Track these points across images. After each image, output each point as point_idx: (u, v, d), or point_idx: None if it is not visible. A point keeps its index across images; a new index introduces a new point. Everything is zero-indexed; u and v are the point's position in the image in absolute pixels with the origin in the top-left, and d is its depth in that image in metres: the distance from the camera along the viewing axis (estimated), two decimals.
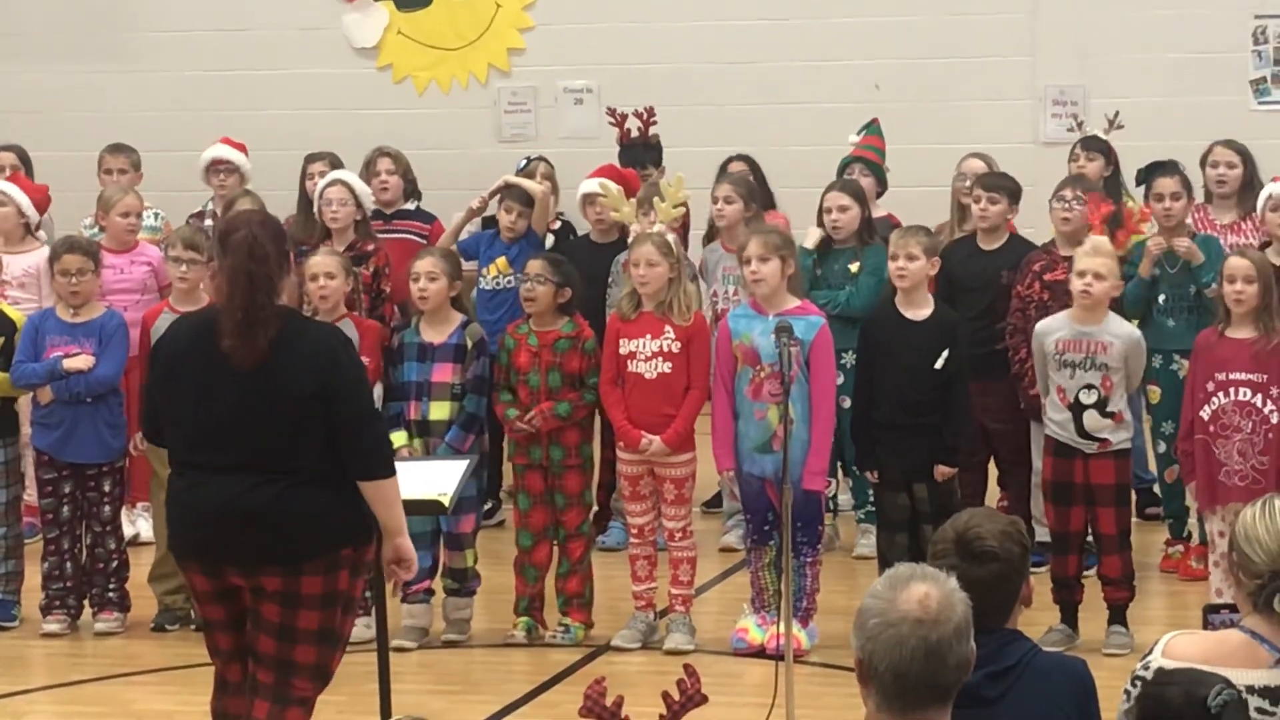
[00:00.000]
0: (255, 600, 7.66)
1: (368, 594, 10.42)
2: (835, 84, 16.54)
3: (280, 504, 7.57)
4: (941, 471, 10.73)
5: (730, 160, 13.63)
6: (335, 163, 13.45)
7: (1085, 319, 10.56)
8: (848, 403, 11.21)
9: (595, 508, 11.62)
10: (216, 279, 7.87)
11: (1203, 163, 12.67)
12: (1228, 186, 12.40)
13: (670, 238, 10.83)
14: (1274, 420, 10.35)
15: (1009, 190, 12.15)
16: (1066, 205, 11.58)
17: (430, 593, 11.06)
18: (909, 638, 4.93)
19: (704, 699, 5.50)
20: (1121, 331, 10.63)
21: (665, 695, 5.43)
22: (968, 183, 12.62)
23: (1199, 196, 12.55)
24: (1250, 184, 12.32)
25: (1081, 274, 10.52)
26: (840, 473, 12.60)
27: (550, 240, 13.18)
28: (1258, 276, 10.40)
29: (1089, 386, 10.48)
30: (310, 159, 13.73)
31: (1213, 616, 6.25)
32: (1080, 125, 13.60)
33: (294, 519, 7.59)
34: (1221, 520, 10.29)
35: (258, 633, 7.68)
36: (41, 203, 13.00)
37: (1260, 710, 5.52)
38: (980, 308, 11.58)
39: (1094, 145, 13.07)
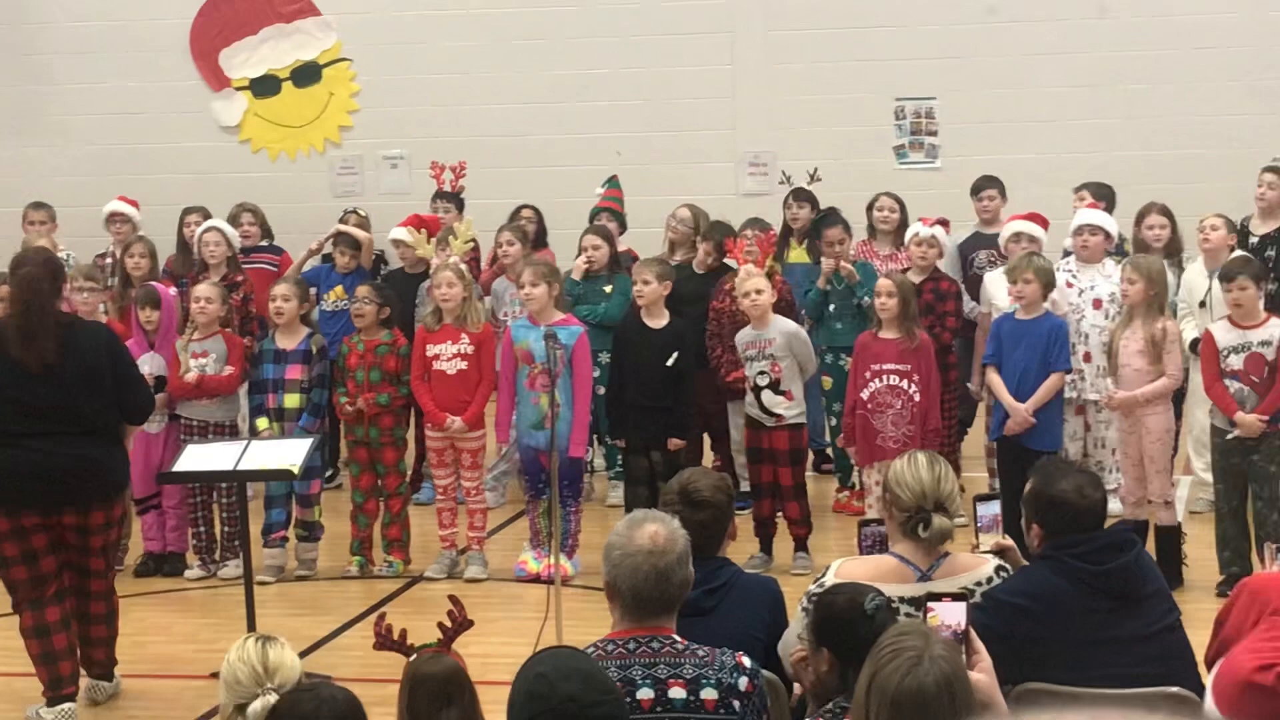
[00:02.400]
0: (82, 534, 8.19)
1: (235, 542, 10.38)
2: (588, 151, 16.54)
3: (105, 456, 8.19)
4: (674, 443, 10.76)
5: (521, 208, 13.62)
6: (206, 214, 13.34)
7: (758, 325, 10.65)
8: (602, 390, 11.22)
9: (409, 473, 11.55)
10: (6, 298, 8.27)
11: (869, 208, 12.75)
12: (888, 226, 12.49)
13: (462, 267, 10.86)
14: (916, 399, 10.46)
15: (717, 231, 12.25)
16: (748, 240, 11.68)
17: (285, 539, 10.99)
18: (643, 564, 4.95)
19: (470, 624, 5.48)
20: (783, 328, 10.69)
21: (440, 625, 5.40)
22: (675, 224, 12.64)
23: (862, 234, 12.69)
24: (903, 224, 12.43)
25: (746, 294, 10.62)
26: (596, 442, 12.58)
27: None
28: (898, 292, 10.52)
29: (762, 373, 10.55)
30: (186, 211, 13.65)
31: (865, 530, 6.36)
32: (789, 179, 13.58)
33: (112, 465, 8.28)
34: (876, 472, 10.41)
35: (88, 557, 8.27)
36: None
37: (908, 614, 5.57)
38: (695, 316, 11.60)
39: (802, 195, 13.01)
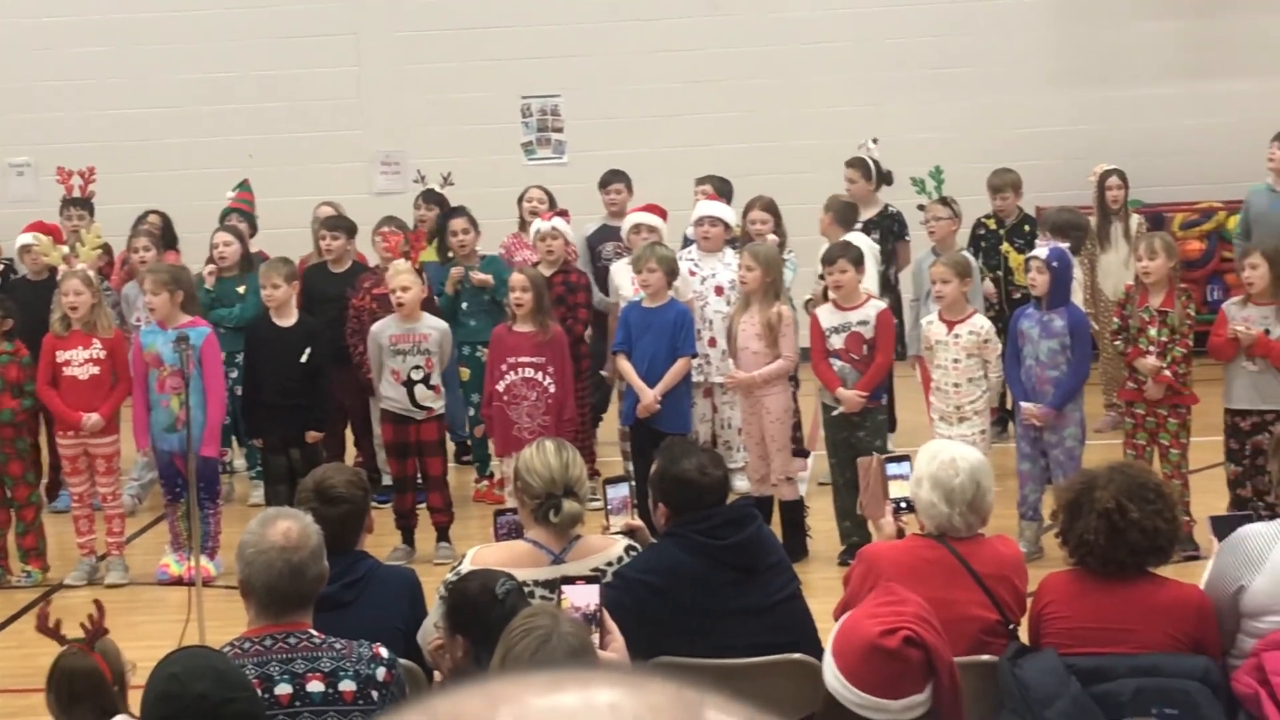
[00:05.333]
0: None
1: None
2: (220, 154, 16.26)
3: None
4: (313, 436, 10.66)
5: (147, 213, 13.27)
6: None
7: (407, 319, 10.60)
8: (238, 391, 11.05)
9: (41, 482, 11.19)
10: None
11: (519, 200, 12.79)
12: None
13: (90, 273, 10.57)
14: (552, 390, 10.51)
15: (346, 229, 12.18)
16: (383, 238, 11.63)
17: None
18: (276, 561, 4.91)
19: (105, 631, 5.38)
20: (436, 324, 10.70)
21: (83, 625, 5.31)
22: (319, 225, 12.61)
23: (493, 232, 12.73)
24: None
25: (393, 291, 10.58)
26: (235, 443, 12.39)
27: None
28: (532, 287, 10.55)
29: (417, 367, 10.52)
30: None
31: (500, 518, 6.41)
32: (423, 179, 13.49)
33: None
34: (516, 462, 10.43)
35: None
36: None
37: (543, 597, 5.61)
38: (333, 315, 11.53)
39: (431, 197, 13.01)
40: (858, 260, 10.22)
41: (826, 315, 10.16)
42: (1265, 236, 11.93)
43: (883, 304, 10.29)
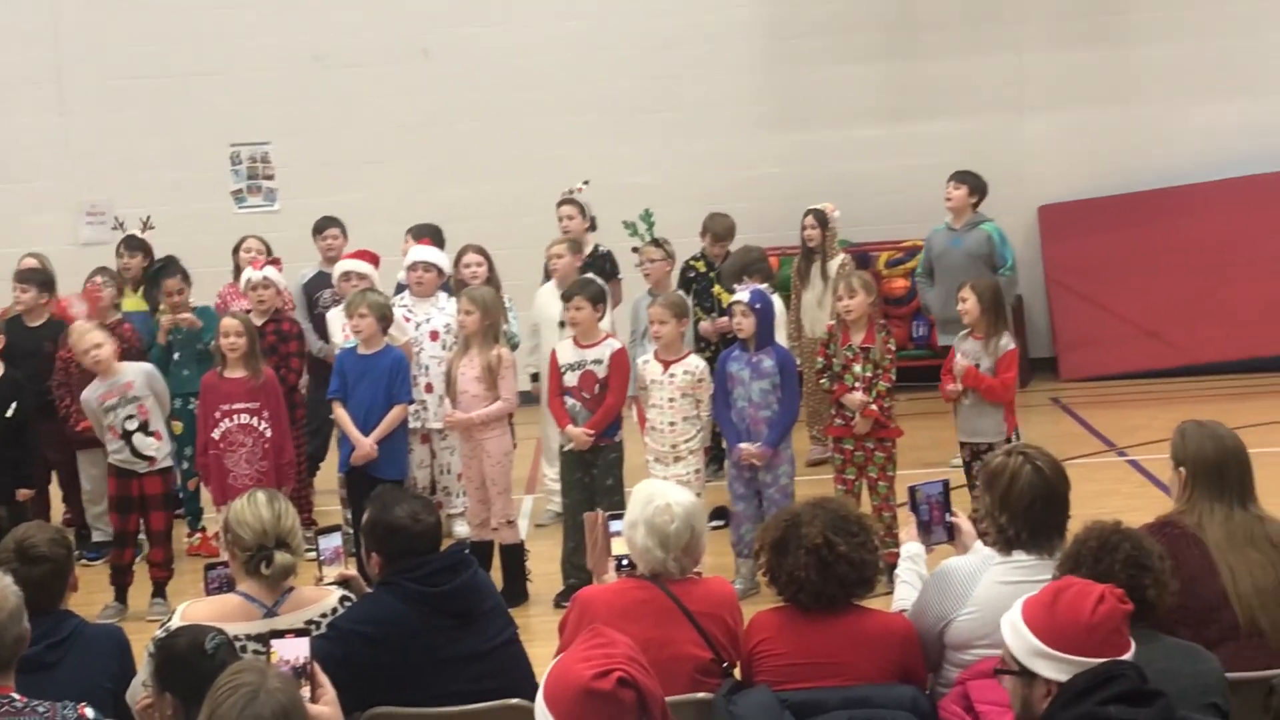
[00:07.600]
0: None
1: None
2: None
3: None
4: (23, 494, 10.43)
5: None
6: None
7: (108, 374, 10.35)
8: None
9: None
10: None
11: (235, 251, 12.70)
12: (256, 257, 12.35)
13: None
14: (268, 435, 10.37)
15: (38, 282, 11.79)
16: (97, 286, 11.38)
17: None
18: None
19: None
20: (136, 368, 10.50)
21: None
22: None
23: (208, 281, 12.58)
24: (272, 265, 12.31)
25: (85, 353, 10.32)
26: None
27: None
28: (244, 331, 10.41)
29: (130, 417, 10.28)
30: None
31: (211, 572, 6.31)
32: (121, 225, 13.20)
33: None
34: (226, 514, 10.24)
35: None
36: None
37: (255, 651, 5.53)
38: (33, 370, 11.19)
39: (134, 244, 12.76)
40: (596, 298, 10.25)
41: (566, 351, 10.21)
42: (945, 274, 12.31)
43: (619, 344, 10.34)
